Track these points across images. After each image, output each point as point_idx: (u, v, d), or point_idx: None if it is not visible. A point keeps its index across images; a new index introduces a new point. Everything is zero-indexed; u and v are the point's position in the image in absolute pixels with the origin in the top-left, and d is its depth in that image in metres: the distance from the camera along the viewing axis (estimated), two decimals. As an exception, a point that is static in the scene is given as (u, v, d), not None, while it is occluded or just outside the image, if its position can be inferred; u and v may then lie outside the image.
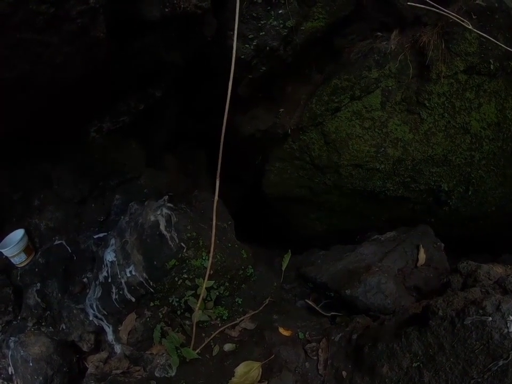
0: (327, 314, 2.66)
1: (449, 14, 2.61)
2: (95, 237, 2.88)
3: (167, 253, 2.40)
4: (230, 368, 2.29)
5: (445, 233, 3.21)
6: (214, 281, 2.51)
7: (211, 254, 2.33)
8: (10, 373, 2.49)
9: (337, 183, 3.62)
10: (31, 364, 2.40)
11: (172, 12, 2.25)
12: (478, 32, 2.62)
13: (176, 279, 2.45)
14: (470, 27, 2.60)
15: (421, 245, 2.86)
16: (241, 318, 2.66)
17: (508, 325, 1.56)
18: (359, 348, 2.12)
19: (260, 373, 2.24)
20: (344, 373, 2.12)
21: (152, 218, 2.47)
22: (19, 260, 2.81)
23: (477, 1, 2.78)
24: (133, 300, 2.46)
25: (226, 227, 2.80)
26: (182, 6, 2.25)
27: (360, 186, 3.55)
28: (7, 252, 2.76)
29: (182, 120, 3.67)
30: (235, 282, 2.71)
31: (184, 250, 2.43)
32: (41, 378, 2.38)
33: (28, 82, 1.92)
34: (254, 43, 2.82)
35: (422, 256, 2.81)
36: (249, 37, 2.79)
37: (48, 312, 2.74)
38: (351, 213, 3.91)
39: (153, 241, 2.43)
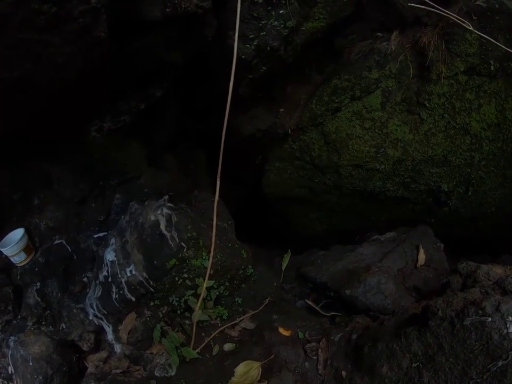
0: (327, 314, 2.66)
1: (449, 14, 2.61)
2: (95, 236, 2.88)
3: (167, 253, 2.41)
4: (230, 367, 2.29)
5: (444, 233, 3.22)
6: (214, 281, 2.52)
7: (211, 254, 2.33)
8: (10, 372, 2.49)
9: (337, 183, 3.63)
10: (31, 363, 2.40)
11: (173, 12, 2.25)
12: (479, 33, 2.62)
13: (176, 278, 2.45)
14: (471, 28, 2.60)
15: (421, 246, 2.86)
16: (241, 318, 2.66)
17: (507, 326, 1.57)
18: (359, 347, 2.12)
19: (260, 373, 2.24)
20: (343, 373, 2.13)
21: (153, 218, 2.47)
22: (19, 259, 2.81)
23: (477, 2, 2.78)
24: (133, 299, 2.46)
25: (226, 227, 2.80)
26: (183, 6, 2.26)
27: (360, 186, 3.55)
28: (7, 251, 2.76)
29: (181, 120, 3.67)
30: (235, 282, 2.72)
31: (185, 250, 2.43)
32: (41, 377, 2.38)
33: (28, 82, 1.92)
34: (254, 43, 2.82)
35: (422, 256, 2.81)
36: (250, 37, 2.79)
37: (48, 311, 2.74)
38: (351, 213, 3.91)
39: (153, 240, 2.43)
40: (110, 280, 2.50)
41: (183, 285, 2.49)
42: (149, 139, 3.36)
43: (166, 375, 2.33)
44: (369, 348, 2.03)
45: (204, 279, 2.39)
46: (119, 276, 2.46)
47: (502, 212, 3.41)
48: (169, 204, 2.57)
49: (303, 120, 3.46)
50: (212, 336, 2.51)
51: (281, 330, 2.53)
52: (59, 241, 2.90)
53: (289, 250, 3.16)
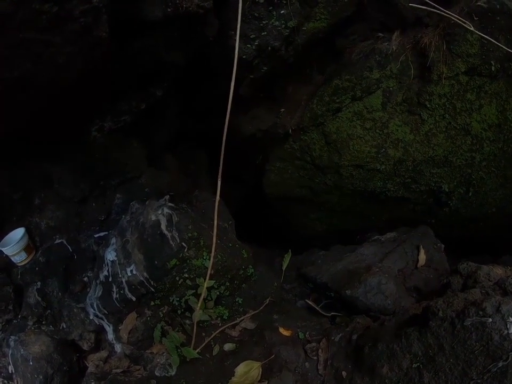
0: (327, 314, 2.66)
1: (450, 15, 2.61)
2: (95, 236, 2.88)
3: (168, 253, 2.41)
4: (230, 367, 2.30)
5: (445, 234, 3.22)
6: (214, 281, 2.52)
7: (212, 254, 2.33)
8: (10, 372, 2.49)
9: (338, 183, 3.63)
10: (31, 363, 2.40)
11: (174, 12, 2.25)
12: (480, 33, 2.62)
13: (177, 278, 2.45)
14: (472, 28, 2.60)
15: (421, 246, 2.86)
16: (242, 318, 2.66)
17: (508, 326, 1.56)
18: (359, 348, 2.12)
19: (260, 373, 2.24)
20: (344, 373, 2.13)
21: (153, 217, 2.47)
22: (19, 258, 2.81)
23: (478, 3, 2.78)
24: (134, 299, 2.47)
25: (227, 227, 2.80)
26: (185, 6, 2.26)
27: (361, 186, 3.55)
28: (7, 251, 2.76)
29: (182, 120, 3.67)
30: (235, 282, 2.72)
31: (185, 250, 2.44)
32: (41, 377, 2.38)
33: (29, 82, 1.92)
34: (255, 43, 2.82)
35: (422, 257, 2.81)
36: (251, 36, 2.79)
37: (49, 311, 2.74)
38: (352, 213, 3.91)
39: (154, 240, 2.43)
40: (110, 279, 2.50)
41: (183, 284, 2.49)
42: (149, 139, 3.36)
43: (166, 374, 2.33)
44: (369, 348, 2.03)
45: (205, 279, 2.39)
46: (120, 275, 2.46)
47: (502, 213, 3.41)
48: (170, 204, 2.57)
49: (304, 120, 3.46)
50: (212, 336, 2.51)
51: (281, 330, 2.53)
52: (60, 240, 2.90)
53: (289, 250, 3.17)
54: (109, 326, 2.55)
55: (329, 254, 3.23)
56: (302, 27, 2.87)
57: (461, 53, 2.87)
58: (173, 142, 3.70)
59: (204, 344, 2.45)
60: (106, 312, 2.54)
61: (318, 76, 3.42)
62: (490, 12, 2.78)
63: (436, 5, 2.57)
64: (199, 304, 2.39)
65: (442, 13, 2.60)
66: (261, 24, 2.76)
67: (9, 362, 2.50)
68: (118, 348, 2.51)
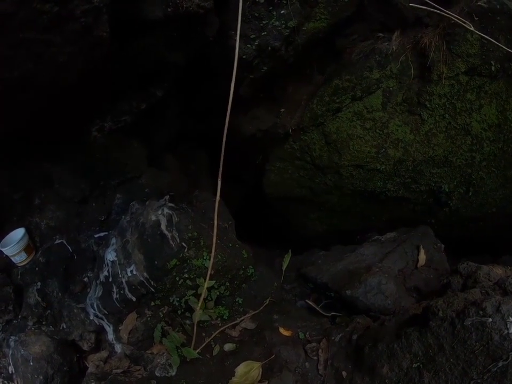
0: (328, 314, 2.66)
1: (450, 15, 2.61)
2: (95, 236, 2.87)
3: (168, 253, 2.41)
4: (231, 368, 2.30)
5: (445, 234, 3.22)
6: (214, 281, 2.52)
7: (212, 254, 2.33)
8: (10, 372, 2.49)
9: (338, 183, 3.63)
10: (31, 363, 2.40)
11: (174, 12, 2.26)
12: (480, 33, 2.62)
13: (177, 278, 2.45)
14: (472, 28, 2.60)
15: (421, 246, 2.86)
16: (242, 318, 2.66)
17: (508, 326, 1.57)
18: (359, 348, 2.12)
19: (260, 373, 2.24)
20: (344, 373, 2.13)
21: (153, 218, 2.47)
22: (19, 258, 2.80)
23: (478, 3, 2.79)
24: (134, 299, 2.46)
25: (227, 227, 2.80)
26: (185, 5, 2.26)
27: (361, 186, 3.55)
28: (7, 251, 2.76)
29: (182, 120, 3.68)
30: (236, 282, 2.72)
31: (185, 250, 2.43)
32: (41, 377, 2.37)
33: (29, 82, 1.92)
34: (255, 43, 2.83)
35: (422, 257, 2.81)
36: (251, 36, 2.79)
37: (49, 311, 2.74)
38: (352, 213, 3.92)
39: (154, 240, 2.43)
40: (110, 280, 2.50)
41: (183, 285, 2.49)
42: (149, 139, 3.36)
43: (166, 375, 2.33)
44: (369, 348, 2.03)
45: (205, 279, 2.39)
46: (120, 275, 2.46)
47: (502, 213, 3.41)
48: (170, 204, 2.57)
49: (304, 120, 3.46)
50: (212, 336, 2.51)
51: (281, 330, 2.53)
52: (60, 241, 2.90)
53: (289, 250, 3.16)
54: (109, 326, 2.54)
55: (329, 254, 3.23)
56: (302, 27, 2.87)
57: (461, 53, 2.87)
58: (173, 142, 3.71)
59: (204, 344, 2.45)
60: (106, 312, 2.53)
61: (318, 76, 3.42)
62: (491, 12, 2.78)
63: (436, 5, 2.57)
64: (199, 304, 2.39)
65: (443, 13, 2.60)
66: (261, 24, 2.76)
67: (9, 363, 2.50)
68: (118, 348, 2.51)
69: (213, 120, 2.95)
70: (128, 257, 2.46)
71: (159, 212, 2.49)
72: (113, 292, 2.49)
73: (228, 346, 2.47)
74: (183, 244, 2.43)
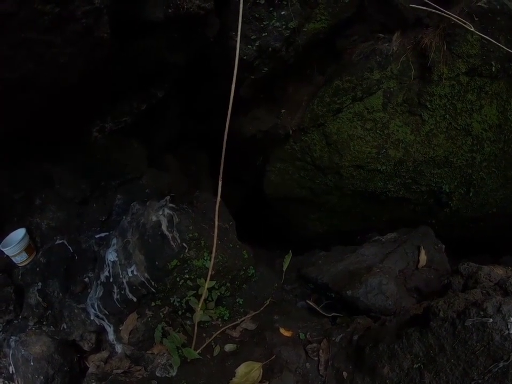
0: (328, 315, 2.66)
1: (451, 16, 2.61)
2: (96, 236, 2.88)
3: (168, 253, 2.41)
4: (231, 368, 2.30)
5: (445, 234, 3.22)
6: (215, 282, 2.52)
7: (213, 255, 2.33)
8: (11, 372, 2.49)
9: (338, 184, 3.63)
10: (32, 363, 2.40)
11: (175, 13, 2.26)
12: (480, 34, 2.62)
13: (178, 279, 2.45)
14: (472, 29, 2.60)
15: (422, 246, 2.86)
16: (242, 319, 2.66)
17: (509, 327, 1.57)
18: (360, 348, 2.12)
19: (261, 374, 2.24)
20: (345, 374, 2.13)
21: (154, 218, 2.47)
22: (20, 259, 2.81)
23: (478, 3, 2.79)
24: (134, 299, 2.47)
25: (227, 227, 2.80)
26: (185, 7, 2.26)
27: (361, 187, 3.55)
28: (8, 251, 2.76)
29: (183, 120, 3.68)
30: (236, 282, 2.72)
31: (186, 251, 2.43)
32: (42, 377, 2.38)
33: (30, 83, 1.92)
34: (256, 44, 2.83)
35: (423, 257, 2.81)
36: (252, 37, 2.80)
37: (49, 311, 2.74)
38: (352, 213, 3.91)
39: (155, 241, 2.43)
40: (111, 280, 2.50)
41: (184, 285, 2.49)
42: (150, 140, 3.37)
43: (167, 375, 2.33)
44: (370, 348, 2.03)
45: (205, 280, 2.39)
46: (121, 276, 2.46)
47: (503, 213, 3.41)
48: (170, 205, 2.57)
49: (304, 121, 3.46)
50: (213, 337, 2.51)
51: (282, 331, 2.53)
52: (60, 241, 2.90)
53: (290, 251, 3.16)
54: (109, 326, 2.54)
55: (329, 255, 3.23)
56: (303, 28, 2.87)
57: (461, 53, 2.87)
58: (173, 143, 3.71)
59: (204, 345, 2.45)
60: (107, 312, 2.54)
61: (319, 77, 3.42)
62: (491, 13, 2.78)
63: (436, 6, 2.57)
64: (199, 305, 2.39)
65: (443, 14, 2.60)
66: (262, 25, 2.76)
67: (10, 363, 2.50)
68: (118, 348, 2.51)
69: (213, 121, 2.95)
70: (129, 257, 2.46)
71: (160, 213, 2.49)
72: (114, 292, 2.49)
73: (228, 347, 2.47)
74: (183, 244, 2.43)
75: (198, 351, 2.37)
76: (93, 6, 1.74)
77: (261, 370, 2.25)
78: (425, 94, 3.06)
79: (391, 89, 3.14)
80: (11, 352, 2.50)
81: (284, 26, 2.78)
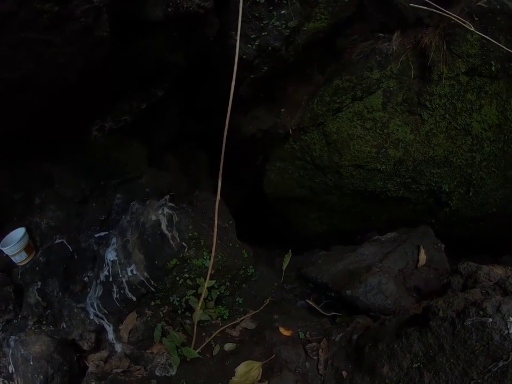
0: (328, 314, 2.66)
1: (451, 15, 2.61)
2: (96, 236, 2.88)
3: (168, 253, 2.41)
4: (231, 367, 2.30)
5: (445, 234, 3.22)
6: (215, 281, 2.52)
7: (213, 254, 2.33)
8: (10, 372, 2.49)
9: (338, 183, 3.63)
10: (31, 363, 2.40)
11: (175, 12, 2.26)
12: (480, 33, 2.62)
13: (177, 278, 2.46)
14: (472, 29, 2.60)
15: (422, 246, 2.86)
16: (242, 318, 2.66)
17: (508, 326, 1.57)
18: (360, 348, 2.12)
19: (260, 373, 2.24)
20: (344, 373, 2.13)
21: (154, 217, 2.47)
22: (20, 258, 2.81)
23: (478, 3, 2.79)
24: (134, 299, 2.47)
25: (227, 227, 2.80)
26: (185, 6, 2.26)
27: (361, 186, 3.55)
28: (7, 251, 2.76)
29: (182, 120, 3.68)
30: (236, 282, 2.72)
31: (186, 250, 2.44)
32: (41, 377, 2.37)
33: (30, 82, 1.92)
34: (256, 43, 2.83)
35: (423, 257, 2.81)
36: (252, 37, 2.80)
37: (49, 311, 2.74)
38: (352, 213, 3.91)
39: (154, 240, 2.43)
40: (111, 279, 2.51)
41: (184, 284, 2.49)
42: (150, 139, 3.37)
43: (166, 374, 2.33)
44: (370, 348, 2.04)
45: (205, 279, 2.39)
46: (120, 275, 2.46)
47: (503, 212, 3.41)
48: (170, 204, 2.57)
49: (304, 120, 3.46)
50: (212, 336, 2.51)
51: (282, 330, 2.53)
52: (60, 240, 2.90)
53: (289, 250, 3.16)
54: (109, 325, 2.55)
55: (329, 254, 3.23)
56: (303, 27, 2.87)
57: (461, 53, 2.87)
58: (173, 142, 3.71)
59: (204, 344, 2.45)
60: (106, 312, 2.54)
61: (319, 76, 3.42)
62: (491, 12, 2.78)
63: (436, 5, 2.57)
64: (199, 304, 2.39)
65: (443, 13, 2.60)
66: (262, 24, 2.76)
67: (9, 362, 2.50)
68: (118, 347, 2.51)
69: (213, 120, 2.95)
70: (129, 256, 2.46)
71: (160, 212, 2.49)
72: (114, 291, 2.49)
73: (228, 346, 2.47)
74: (183, 243, 2.44)
75: (197, 350, 2.37)
76: (92, 5, 1.74)
77: (261, 369, 2.25)
78: (425, 94, 3.06)
79: (391, 88, 3.13)
80: (10, 351, 2.50)
81: (283, 26, 2.78)
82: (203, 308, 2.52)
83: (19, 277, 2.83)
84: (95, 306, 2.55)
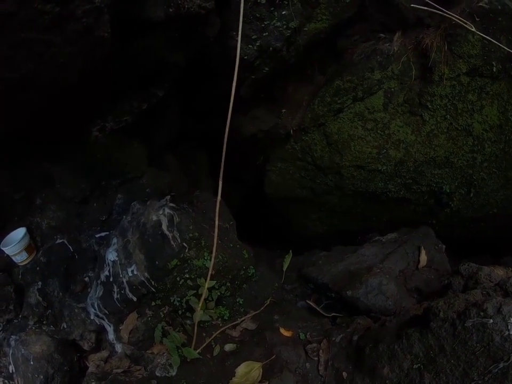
0: (328, 315, 2.66)
1: (452, 16, 2.60)
2: (96, 236, 2.88)
3: (169, 253, 2.41)
4: (231, 368, 2.30)
5: (446, 234, 3.21)
6: (215, 281, 2.51)
7: (213, 254, 2.33)
8: (11, 372, 2.49)
9: (339, 184, 3.63)
10: (31, 363, 2.40)
11: (175, 12, 2.26)
12: (481, 34, 2.62)
13: (178, 279, 2.45)
14: (473, 29, 2.60)
15: (422, 247, 2.86)
16: (242, 318, 2.66)
17: (509, 327, 1.56)
18: (360, 349, 2.12)
19: (261, 373, 2.24)
20: (344, 374, 2.13)
21: (154, 218, 2.47)
22: (20, 258, 2.81)
23: (480, 4, 2.78)
24: (135, 299, 2.47)
25: (228, 227, 2.80)
26: (186, 6, 2.26)
27: (362, 187, 3.55)
28: (8, 250, 2.76)
29: (183, 120, 3.68)
30: (236, 282, 2.72)
31: (186, 250, 2.43)
32: (42, 377, 2.37)
33: (30, 83, 1.92)
34: (257, 43, 2.83)
35: (423, 257, 2.81)
36: (253, 37, 2.80)
37: (49, 311, 2.74)
38: (352, 214, 3.91)
39: (155, 241, 2.43)
40: (111, 280, 2.51)
41: (184, 285, 2.49)
42: (150, 139, 3.37)
43: (167, 375, 2.33)
44: (370, 349, 2.03)
45: (206, 280, 2.39)
46: (121, 275, 2.46)
47: (504, 213, 3.41)
48: (171, 204, 2.57)
49: (305, 121, 3.46)
50: (213, 337, 2.51)
51: (282, 330, 2.53)
52: (61, 240, 2.90)
53: (290, 251, 3.16)
54: (109, 326, 2.55)
55: (330, 255, 3.22)
56: (304, 28, 2.87)
57: (462, 53, 2.87)
58: (173, 142, 3.71)
59: (204, 345, 2.45)
60: (107, 312, 2.54)
61: (319, 77, 3.42)
62: (492, 13, 2.78)
63: (437, 6, 2.56)
64: (200, 305, 2.39)
65: (444, 14, 2.60)
66: (263, 25, 2.76)
67: (9, 362, 2.50)
68: (118, 348, 2.51)
69: (213, 120, 2.95)
70: (129, 257, 2.46)
71: (160, 212, 2.49)
72: (114, 291, 2.49)
73: (228, 347, 2.47)
74: (184, 244, 2.43)
75: (198, 351, 2.37)
76: (93, 5, 1.74)
77: (261, 370, 2.25)
78: (426, 94, 3.05)
79: (392, 89, 3.13)
80: (11, 351, 2.50)
81: (284, 26, 2.78)
82: (203, 308, 2.52)
83: (20, 276, 2.83)
84: (96, 306, 2.55)
